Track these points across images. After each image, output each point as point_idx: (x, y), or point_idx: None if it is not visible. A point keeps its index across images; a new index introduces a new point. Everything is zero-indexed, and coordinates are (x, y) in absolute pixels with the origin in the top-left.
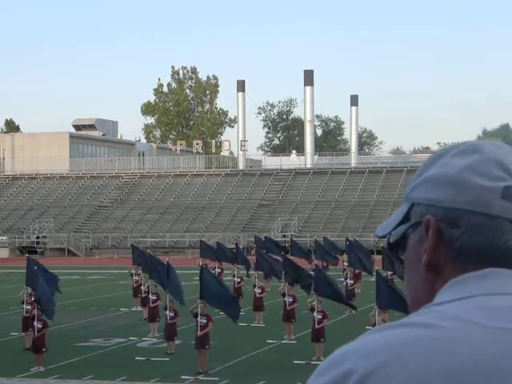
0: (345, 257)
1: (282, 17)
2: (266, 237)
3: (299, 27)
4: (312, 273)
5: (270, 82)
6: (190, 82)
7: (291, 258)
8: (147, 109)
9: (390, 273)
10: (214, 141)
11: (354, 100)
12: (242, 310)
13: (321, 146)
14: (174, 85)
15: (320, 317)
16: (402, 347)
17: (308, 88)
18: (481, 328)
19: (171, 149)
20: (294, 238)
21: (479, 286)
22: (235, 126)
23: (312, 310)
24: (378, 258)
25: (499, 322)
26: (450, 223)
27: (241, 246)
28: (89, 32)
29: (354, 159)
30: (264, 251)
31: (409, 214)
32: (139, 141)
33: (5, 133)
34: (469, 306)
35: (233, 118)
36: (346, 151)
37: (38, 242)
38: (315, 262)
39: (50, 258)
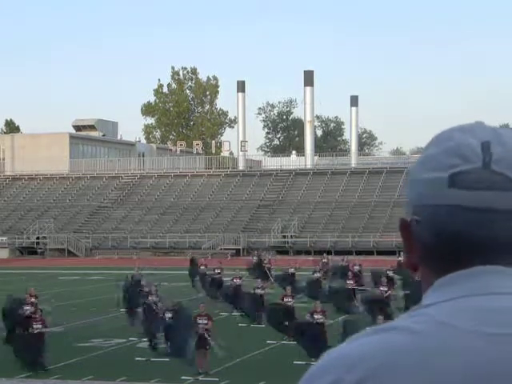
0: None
1: (282, 17)
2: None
3: (299, 28)
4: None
5: (270, 82)
6: (190, 83)
7: None
8: (147, 109)
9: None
10: (214, 141)
11: (354, 100)
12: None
13: (321, 147)
14: (174, 85)
15: (320, 317)
16: (389, 355)
17: (308, 88)
18: (469, 334)
19: (171, 149)
20: (294, 239)
21: (467, 286)
22: (235, 126)
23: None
24: (377, 258)
25: (489, 327)
26: (416, 221)
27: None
28: (89, 32)
29: (354, 160)
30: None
31: None
32: (139, 141)
33: (5, 133)
34: (455, 308)
35: (233, 118)
36: (346, 152)
37: (38, 243)
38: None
39: (50, 259)
